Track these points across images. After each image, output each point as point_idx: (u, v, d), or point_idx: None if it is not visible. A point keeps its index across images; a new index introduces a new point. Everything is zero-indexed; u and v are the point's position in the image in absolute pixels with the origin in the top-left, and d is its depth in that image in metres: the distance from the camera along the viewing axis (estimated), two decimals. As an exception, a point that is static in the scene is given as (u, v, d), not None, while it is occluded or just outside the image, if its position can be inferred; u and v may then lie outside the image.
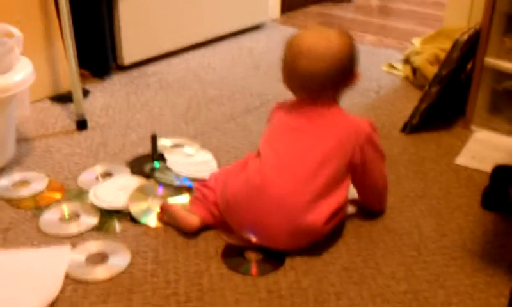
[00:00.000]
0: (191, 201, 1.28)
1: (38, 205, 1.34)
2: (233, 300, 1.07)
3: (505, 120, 1.71)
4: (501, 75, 1.67)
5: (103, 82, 2.03)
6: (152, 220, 1.27)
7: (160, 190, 1.37)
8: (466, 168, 1.53)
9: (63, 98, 1.86)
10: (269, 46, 2.42)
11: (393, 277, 1.13)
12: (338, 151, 1.19)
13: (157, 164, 1.47)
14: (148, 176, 1.43)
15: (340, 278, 1.13)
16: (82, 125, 1.69)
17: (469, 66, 1.81)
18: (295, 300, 1.07)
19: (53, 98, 1.88)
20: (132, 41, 2.10)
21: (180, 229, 1.24)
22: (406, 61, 2.16)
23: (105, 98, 1.91)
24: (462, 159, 1.57)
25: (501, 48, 1.65)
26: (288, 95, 1.27)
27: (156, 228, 1.26)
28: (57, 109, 1.82)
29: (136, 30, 2.10)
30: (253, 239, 1.18)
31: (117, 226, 1.27)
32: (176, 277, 1.12)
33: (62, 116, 1.78)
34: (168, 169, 1.45)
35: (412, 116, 1.69)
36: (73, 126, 1.70)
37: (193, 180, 1.39)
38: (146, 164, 1.48)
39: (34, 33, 1.79)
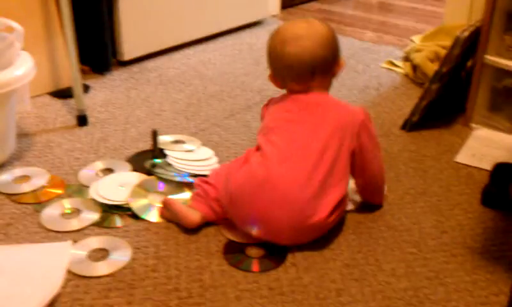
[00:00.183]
0: (192, 197, 1.28)
1: (38, 200, 1.34)
2: (235, 297, 1.07)
3: (505, 118, 1.71)
4: (501, 72, 1.67)
5: (103, 77, 2.02)
6: (152, 216, 1.28)
7: (161, 186, 1.37)
8: (466, 166, 1.53)
9: (63, 94, 1.86)
10: (269, 42, 2.41)
11: (393, 274, 1.14)
12: (336, 139, 1.19)
13: (157, 160, 1.47)
14: (149, 172, 1.43)
15: (341, 275, 1.13)
16: (82, 120, 1.69)
17: (469, 63, 1.81)
18: (296, 296, 1.07)
19: (53, 94, 1.88)
20: (132, 37, 2.10)
21: (181, 224, 1.24)
22: (406, 58, 2.16)
23: (105, 93, 1.91)
24: (462, 157, 1.57)
25: (501, 45, 1.65)
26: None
27: (157, 224, 1.26)
28: (57, 104, 1.82)
29: (136, 25, 2.10)
30: (256, 233, 1.18)
31: (118, 221, 1.27)
32: (177, 273, 1.12)
33: (62, 112, 1.78)
34: (169, 165, 1.45)
35: (412, 114, 1.69)
36: (74, 121, 1.70)
37: (194, 176, 1.39)
38: (147, 159, 1.48)
39: (35, 28, 1.79)
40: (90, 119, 1.71)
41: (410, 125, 1.70)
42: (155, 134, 1.51)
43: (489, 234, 1.27)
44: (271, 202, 1.15)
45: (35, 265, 1.14)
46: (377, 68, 2.19)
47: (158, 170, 1.43)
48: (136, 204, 1.30)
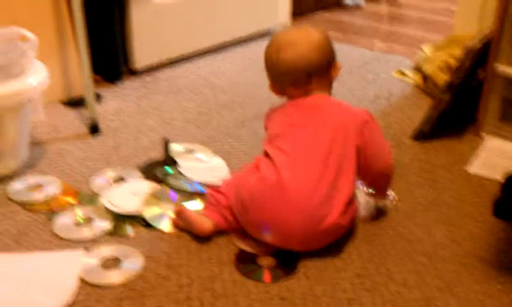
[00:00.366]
0: (204, 206, 1.29)
1: (51, 209, 1.35)
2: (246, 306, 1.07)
3: (517, 128, 1.71)
4: (512, 82, 1.67)
5: (115, 86, 2.04)
6: (164, 225, 1.28)
7: (173, 195, 1.38)
8: (477, 176, 1.53)
9: (75, 103, 1.88)
10: (279, 52, 2.42)
11: (405, 284, 1.14)
12: (340, 139, 1.21)
13: (169, 169, 1.48)
14: (161, 181, 1.43)
15: (352, 285, 1.13)
16: (94, 129, 1.70)
17: (480, 73, 1.81)
18: (308, 306, 1.07)
19: (66, 103, 1.89)
20: (144, 46, 2.12)
21: (194, 233, 1.24)
22: (417, 68, 2.16)
23: (117, 102, 1.92)
24: (473, 167, 1.57)
25: (512, 55, 1.65)
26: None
27: (169, 233, 1.27)
28: (69, 113, 1.84)
29: (148, 35, 2.12)
30: (268, 239, 1.18)
31: (130, 230, 1.28)
32: (189, 282, 1.13)
33: (74, 120, 1.79)
34: (180, 174, 1.46)
35: (423, 124, 1.69)
36: (86, 130, 1.72)
37: (206, 185, 1.40)
38: (159, 168, 1.49)
39: (47, 38, 1.81)
40: (102, 128, 1.73)
41: (421, 135, 1.69)
42: (166, 143, 1.53)
43: (500, 244, 1.27)
44: (282, 207, 1.15)
45: (47, 273, 1.15)
46: (387, 77, 2.19)
47: (169, 179, 1.43)
48: (148, 213, 1.31)
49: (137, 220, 1.30)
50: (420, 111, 1.83)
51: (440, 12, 3.20)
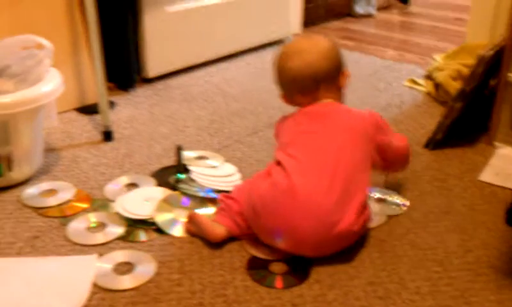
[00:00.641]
0: (216, 212, 1.30)
1: (64, 214, 1.36)
2: (258, 312, 1.08)
3: (530, 137, 1.70)
4: (525, 91, 1.67)
5: (128, 94, 2.06)
6: (177, 231, 1.29)
7: (186, 202, 1.38)
8: (490, 184, 1.52)
9: (89, 110, 1.90)
10: (291, 60, 2.43)
11: (418, 292, 1.13)
12: (352, 144, 1.23)
13: (181, 176, 1.49)
14: (173, 187, 1.44)
15: (365, 292, 1.13)
16: (108, 136, 1.72)
17: (492, 82, 1.80)
18: (320, 313, 1.08)
19: (79, 110, 1.91)
20: (157, 55, 2.14)
21: (206, 239, 1.25)
22: (429, 76, 2.16)
23: (130, 110, 1.94)
24: (486, 175, 1.56)
25: (525, 64, 1.64)
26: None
27: (181, 239, 1.27)
28: (83, 120, 1.86)
29: (160, 44, 2.14)
30: (281, 245, 1.18)
31: (142, 236, 1.28)
32: (201, 288, 1.13)
33: (88, 127, 1.81)
34: (193, 180, 1.47)
35: (435, 132, 1.69)
36: (99, 137, 1.73)
37: (217, 191, 1.40)
38: (171, 175, 1.50)
39: (62, 45, 1.83)
40: (115, 135, 1.74)
41: (433, 144, 1.69)
42: (179, 150, 1.53)
43: (514, 253, 1.26)
44: (294, 212, 1.15)
45: (61, 278, 1.16)
46: (399, 86, 2.19)
47: (182, 185, 1.44)
48: (161, 219, 1.32)
49: (150, 226, 1.31)
50: (432, 119, 1.83)
51: (451, 21, 3.20)
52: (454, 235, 1.31)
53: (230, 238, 1.25)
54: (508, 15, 1.64)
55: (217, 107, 1.98)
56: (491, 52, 1.63)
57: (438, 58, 2.33)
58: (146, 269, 1.18)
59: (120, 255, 1.22)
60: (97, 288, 1.13)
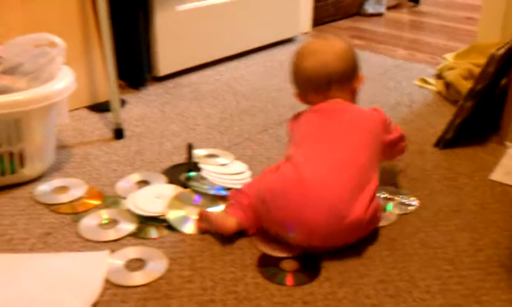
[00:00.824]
0: (227, 206, 1.31)
1: (76, 211, 1.37)
2: (269, 309, 1.08)
3: (541, 136, 1.69)
4: (537, 90, 1.66)
5: (139, 92, 2.07)
6: (188, 228, 1.30)
7: (197, 199, 1.39)
8: (500, 184, 1.52)
9: (100, 108, 1.91)
10: (301, 59, 2.43)
11: (428, 290, 1.13)
12: (360, 140, 1.26)
13: (192, 173, 1.50)
14: (184, 185, 1.45)
15: (375, 290, 1.13)
16: (119, 133, 1.73)
17: (503, 81, 1.80)
18: (330, 310, 1.08)
19: (90, 107, 1.93)
20: (168, 53, 2.15)
21: (218, 232, 1.26)
22: (439, 75, 2.16)
23: (141, 108, 1.95)
24: (496, 175, 1.56)
25: (537, 64, 1.64)
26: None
27: (192, 236, 1.28)
28: (94, 117, 1.87)
29: (171, 42, 2.15)
30: (291, 237, 1.19)
31: (154, 232, 1.29)
32: (212, 285, 1.14)
33: (99, 125, 1.82)
34: (203, 178, 1.48)
35: (446, 131, 1.69)
36: (110, 134, 1.74)
37: (228, 189, 1.41)
38: (182, 172, 1.51)
39: (74, 43, 1.84)
40: (126, 133, 1.75)
41: (444, 143, 1.69)
42: (190, 148, 1.54)
43: (525, 253, 1.26)
44: (304, 202, 1.16)
45: (74, 274, 1.17)
46: (409, 85, 2.19)
47: (193, 183, 1.45)
48: (172, 216, 1.32)
49: (161, 223, 1.32)
50: (442, 119, 1.82)
51: (461, 20, 3.19)
52: (465, 234, 1.31)
53: (241, 235, 1.26)
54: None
55: (227, 105, 1.98)
56: (503, 51, 1.62)
57: (449, 57, 2.32)
58: (157, 266, 1.18)
59: (132, 252, 1.23)
60: (109, 284, 1.13)
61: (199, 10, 2.22)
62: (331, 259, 1.20)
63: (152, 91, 2.09)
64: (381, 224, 1.31)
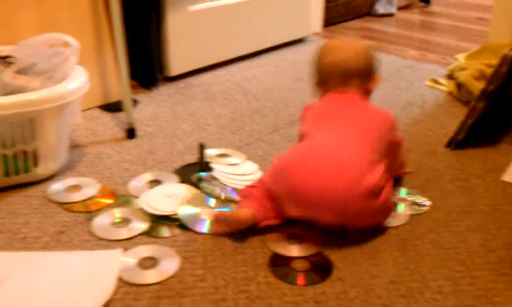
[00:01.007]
0: (239, 201, 1.34)
1: (89, 209, 1.38)
2: (281, 309, 1.09)
3: (554, 137, 1.69)
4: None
5: (150, 92, 2.08)
6: (200, 227, 1.30)
7: (209, 200, 1.39)
8: (512, 185, 1.51)
9: (112, 107, 1.92)
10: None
11: (440, 291, 1.13)
12: (375, 133, 1.31)
13: (203, 174, 1.50)
14: (195, 184, 1.46)
15: (387, 291, 1.13)
16: (131, 133, 1.74)
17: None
18: (342, 310, 1.08)
19: (103, 107, 1.94)
20: (179, 53, 2.16)
21: (235, 227, 1.26)
22: (450, 76, 2.15)
23: (152, 108, 1.96)
24: (508, 176, 1.55)
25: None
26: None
27: (204, 235, 1.29)
28: (107, 117, 1.88)
29: (183, 43, 2.16)
30: (308, 207, 1.22)
31: (166, 231, 1.30)
32: (224, 283, 1.14)
33: (111, 125, 1.83)
34: (214, 178, 1.48)
35: (457, 132, 1.68)
36: (123, 134, 1.76)
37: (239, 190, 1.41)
38: (194, 172, 1.52)
39: (86, 43, 1.85)
40: (138, 133, 1.76)
41: (455, 143, 1.69)
42: (202, 147, 1.55)
43: (538, 254, 1.25)
44: (321, 165, 1.22)
45: (87, 272, 1.18)
46: (420, 85, 2.18)
47: (204, 185, 1.45)
48: (184, 215, 1.33)
49: (173, 222, 1.32)
50: (454, 119, 1.82)
51: (473, 21, 3.18)
52: (477, 235, 1.31)
53: (252, 234, 1.27)
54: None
55: (238, 106, 1.99)
56: (515, 52, 1.62)
57: (461, 58, 2.31)
58: (169, 264, 1.19)
59: (144, 250, 1.23)
60: (122, 282, 1.14)
61: (211, 10, 2.23)
62: (343, 260, 1.20)
63: (164, 91, 2.10)
64: (393, 224, 1.32)
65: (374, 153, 1.26)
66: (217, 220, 1.29)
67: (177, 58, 2.16)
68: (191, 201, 1.38)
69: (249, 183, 1.44)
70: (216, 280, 1.15)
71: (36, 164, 1.47)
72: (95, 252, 1.24)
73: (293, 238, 1.26)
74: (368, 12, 3.23)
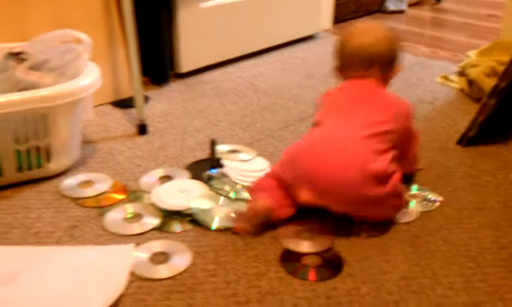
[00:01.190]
0: (251, 194, 1.35)
1: (101, 205, 1.39)
2: (292, 304, 1.09)
3: None
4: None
5: (161, 89, 2.09)
6: (211, 223, 1.31)
7: (221, 198, 1.40)
8: (524, 182, 1.51)
9: (124, 104, 1.93)
10: (322, 56, 2.44)
11: (451, 287, 1.13)
12: (388, 122, 1.30)
13: (214, 170, 1.51)
14: (206, 183, 1.46)
15: (398, 287, 1.13)
16: (142, 129, 1.75)
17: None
18: (353, 306, 1.08)
19: (114, 103, 1.95)
20: (190, 50, 2.17)
21: (253, 221, 1.27)
22: (461, 73, 2.14)
23: (164, 104, 1.97)
24: (520, 173, 1.55)
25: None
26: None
27: (216, 230, 1.29)
28: (118, 113, 1.89)
29: (194, 40, 2.16)
30: (322, 194, 1.23)
31: (178, 227, 1.31)
32: (236, 279, 1.15)
33: (123, 121, 1.84)
34: (225, 175, 1.49)
35: (469, 129, 1.68)
36: (134, 130, 1.77)
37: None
38: (205, 168, 1.52)
39: (98, 40, 1.86)
40: (150, 129, 1.77)
41: (466, 140, 1.68)
42: (213, 143, 1.56)
43: (550, 251, 1.25)
44: (327, 154, 1.22)
45: (100, 266, 1.19)
46: (431, 82, 2.18)
47: (214, 183, 1.45)
48: (196, 210, 1.34)
49: (185, 217, 1.33)
50: (465, 116, 1.81)
51: (484, 18, 3.16)
52: (488, 232, 1.30)
53: (264, 230, 1.27)
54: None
55: (248, 102, 1.99)
56: (527, 49, 1.61)
57: (472, 55, 2.30)
58: (181, 259, 1.20)
59: (156, 245, 1.24)
60: (134, 277, 1.15)
61: (222, 7, 2.24)
62: (354, 256, 1.21)
63: (175, 88, 2.11)
64: (404, 220, 1.32)
65: (382, 142, 1.26)
66: (239, 219, 1.29)
67: (188, 55, 2.16)
68: (203, 195, 1.39)
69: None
70: (227, 275, 1.16)
71: (48, 159, 1.48)
72: (108, 247, 1.25)
73: (304, 234, 1.27)
74: (378, 9, 3.23)
